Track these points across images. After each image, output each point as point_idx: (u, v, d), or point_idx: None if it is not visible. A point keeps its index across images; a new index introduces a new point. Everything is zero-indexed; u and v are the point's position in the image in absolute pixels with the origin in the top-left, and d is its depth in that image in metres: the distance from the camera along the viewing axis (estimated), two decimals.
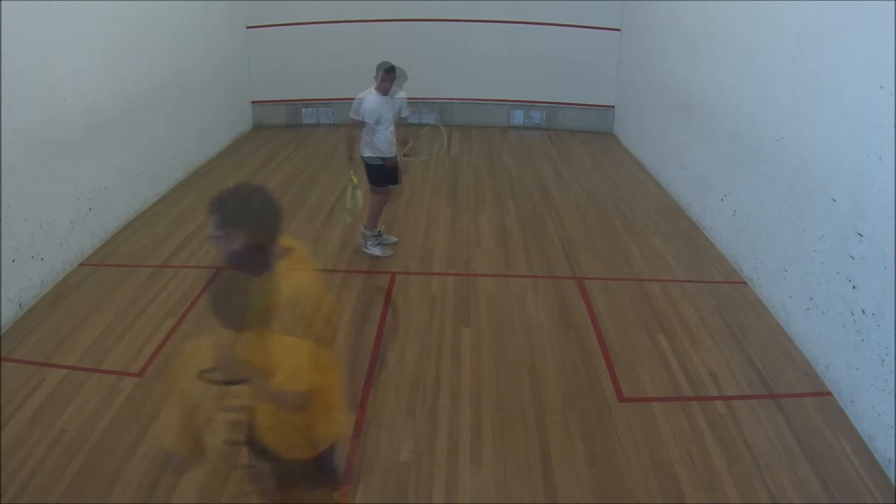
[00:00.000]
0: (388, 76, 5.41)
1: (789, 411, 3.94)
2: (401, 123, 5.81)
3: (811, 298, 4.43)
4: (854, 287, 3.93)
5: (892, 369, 3.51)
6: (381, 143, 5.60)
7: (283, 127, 10.63)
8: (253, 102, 10.59)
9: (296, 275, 2.28)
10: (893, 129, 3.57)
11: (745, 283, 5.49)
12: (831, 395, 4.09)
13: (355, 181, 5.79)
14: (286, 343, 2.14)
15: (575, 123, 10.65)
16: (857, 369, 3.84)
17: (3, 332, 4.66)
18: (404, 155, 5.91)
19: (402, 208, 7.09)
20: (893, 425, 3.46)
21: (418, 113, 10.62)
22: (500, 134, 10.41)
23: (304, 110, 10.79)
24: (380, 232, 6.01)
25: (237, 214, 2.20)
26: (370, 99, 5.47)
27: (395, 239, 6.20)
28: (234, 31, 9.84)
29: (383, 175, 5.76)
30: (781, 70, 5.00)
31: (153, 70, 7.15)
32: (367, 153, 5.66)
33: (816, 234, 4.39)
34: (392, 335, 4.68)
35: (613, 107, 10.45)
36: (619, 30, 10.03)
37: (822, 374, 4.26)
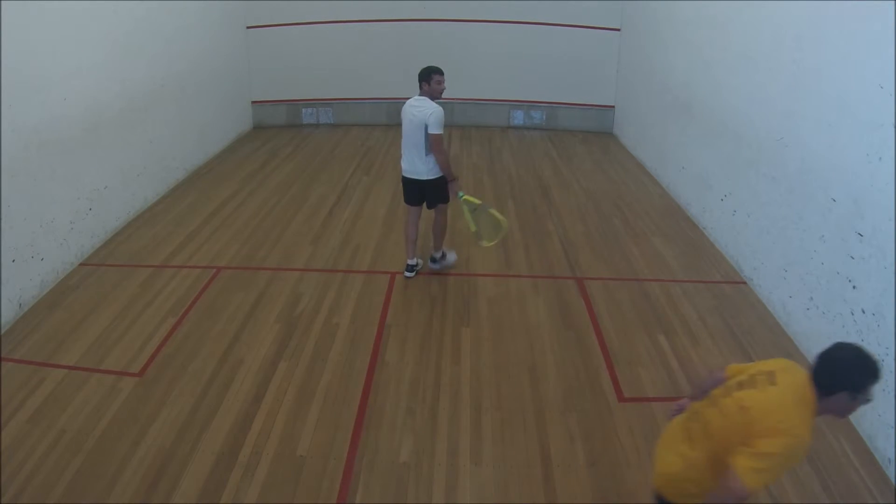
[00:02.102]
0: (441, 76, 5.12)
1: None
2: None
3: (811, 298, 4.43)
4: (854, 287, 3.93)
5: (892, 369, 3.51)
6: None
7: (283, 127, 10.64)
8: (253, 102, 10.59)
9: None
10: (893, 129, 3.57)
11: (745, 283, 5.49)
12: None
13: (471, 199, 5.28)
14: None
15: (575, 123, 10.65)
16: None
17: (3, 332, 4.66)
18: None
19: (402, 208, 7.08)
20: (893, 425, 3.46)
21: None
22: (500, 134, 10.41)
23: (304, 110, 10.79)
24: (443, 254, 5.68)
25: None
26: (439, 108, 5.06)
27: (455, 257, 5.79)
28: (234, 31, 9.84)
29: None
30: (781, 70, 5.00)
31: (153, 70, 7.16)
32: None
33: (816, 234, 4.39)
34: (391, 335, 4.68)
35: (613, 107, 10.45)
36: (619, 30, 10.03)
37: None
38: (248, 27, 10.15)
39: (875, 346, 3.68)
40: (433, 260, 5.64)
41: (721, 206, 6.11)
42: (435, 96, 5.11)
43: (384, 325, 4.81)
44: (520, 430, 3.78)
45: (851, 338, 3.91)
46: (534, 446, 3.64)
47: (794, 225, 4.70)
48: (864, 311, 3.82)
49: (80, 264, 5.70)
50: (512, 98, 10.65)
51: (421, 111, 5.04)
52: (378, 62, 10.30)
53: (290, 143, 9.73)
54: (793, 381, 2.30)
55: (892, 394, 3.49)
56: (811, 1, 4.59)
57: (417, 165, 5.19)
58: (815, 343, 4.38)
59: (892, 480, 3.42)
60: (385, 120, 10.64)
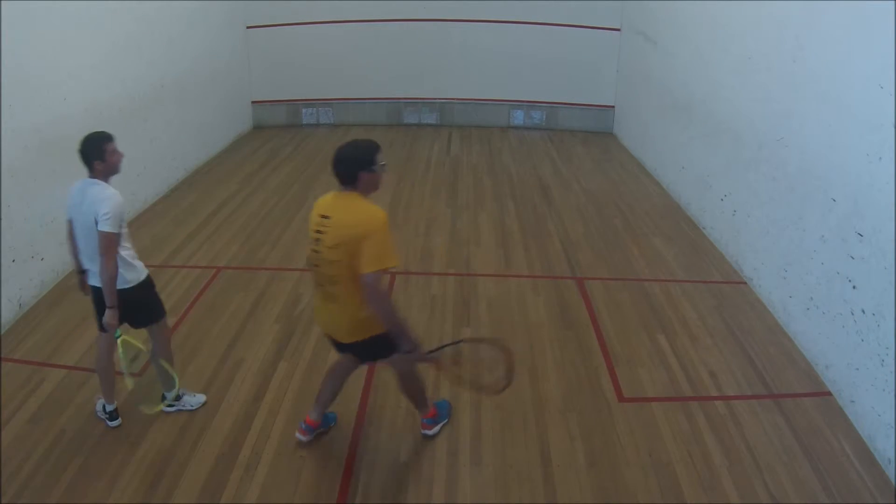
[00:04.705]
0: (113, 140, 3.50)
1: (789, 411, 3.94)
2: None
3: (811, 298, 4.43)
4: (854, 287, 3.93)
5: (892, 369, 3.51)
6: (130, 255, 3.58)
7: (283, 127, 10.63)
8: (253, 102, 10.59)
9: None
10: (893, 129, 3.57)
11: (745, 283, 5.49)
12: (831, 395, 4.09)
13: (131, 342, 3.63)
14: None
15: (575, 123, 10.65)
16: (857, 369, 3.84)
17: (3, 332, 4.66)
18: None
19: (403, 208, 7.10)
20: (893, 425, 3.46)
21: (418, 113, 10.66)
22: (500, 134, 10.41)
23: (304, 110, 10.80)
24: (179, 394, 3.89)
25: None
26: (113, 192, 3.44)
27: (202, 398, 3.96)
28: (234, 31, 9.83)
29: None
30: (781, 70, 5.00)
31: (153, 70, 7.16)
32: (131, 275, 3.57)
33: (816, 234, 4.39)
34: None
35: (613, 107, 10.45)
36: (619, 30, 10.03)
37: (822, 374, 4.26)
38: (248, 27, 10.14)
39: (875, 346, 3.68)
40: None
41: (721, 206, 6.11)
42: None
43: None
44: (520, 430, 3.77)
45: (851, 338, 3.92)
46: (534, 446, 3.64)
47: (794, 225, 4.70)
48: (864, 311, 3.82)
49: None
50: (512, 98, 10.64)
51: None
52: (378, 62, 10.29)
53: (290, 143, 9.73)
54: (342, 204, 3.14)
55: (892, 394, 3.49)
56: (811, 1, 4.59)
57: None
58: (815, 343, 4.38)
59: (892, 480, 3.42)
60: (385, 120, 10.64)
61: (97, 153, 3.43)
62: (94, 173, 3.47)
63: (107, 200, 3.38)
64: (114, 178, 3.57)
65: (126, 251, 3.51)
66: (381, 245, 2.95)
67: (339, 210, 3.08)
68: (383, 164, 3.17)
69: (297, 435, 3.61)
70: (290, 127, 10.65)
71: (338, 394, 3.66)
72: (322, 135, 10.26)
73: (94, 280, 3.54)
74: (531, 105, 10.68)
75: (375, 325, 3.09)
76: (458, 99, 10.66)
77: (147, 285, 3.65)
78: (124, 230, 3.50)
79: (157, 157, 7.26)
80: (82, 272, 3.65)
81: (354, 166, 3.08)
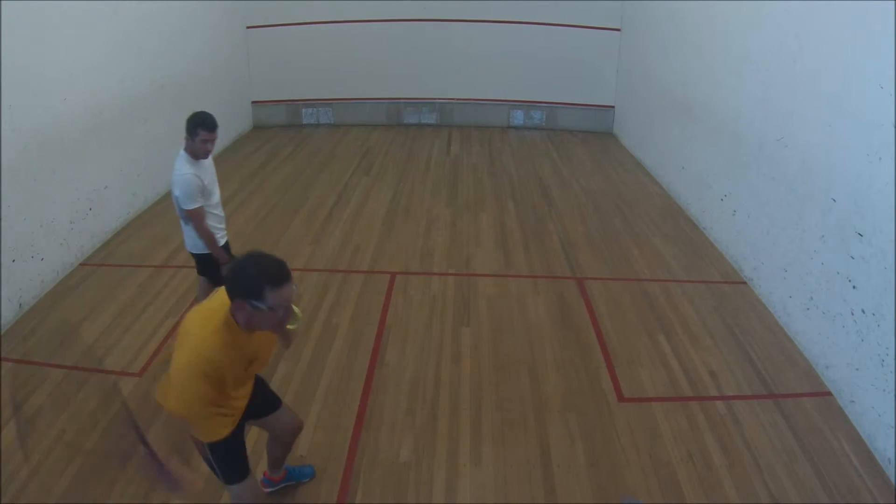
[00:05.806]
0: (211, 132, 3.87)
1: (789, 411, 3.94)
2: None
3: (811, 298, 4.43)
4: (854, 287, 3.93)
5: (892, 369, 3.52)
6: (216, 224, 4.10)
7: (283, 127, 10.64)
8: (253, 102, 10.59)
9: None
10: (893, 129, 3.58)
11: (745, 283, 5.49)
12: (831, 395, 4.09)
13: None
14: None
15: (575, 123, 10.65)
16: (857, 369, 3.85)
17: (3, 332, 4.66)
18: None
19: (403, 208, 7.10)
20: (893, 425, 3.46)
21: (418, 113, 10.67)
22: (500, 134, 10.41)
23: (304, 110, 10.80)
24: None
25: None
26: (188, 170, 3.84)
27: None
28: (234, 31, 9.84)
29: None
30: (781, 70, 5.00)
31: (153, 70, 7.16)
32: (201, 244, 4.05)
33: (816, 234, 4.39)
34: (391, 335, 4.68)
35: (613, 107, 10.45)
36: (619, 30, 10.03)
37: (822, 374, 4.26)
38: (248, 27, 10.15)
39: (875, 346, 3.68)
40: None
41: (721, 206, 6.11)
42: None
43: (384, 326, 4.81)
44: (520, 430, 3.78)
45: (851, 338, 3.92)
46: (534, 446, 3.64)
47: (794, 225, 4.70)
48: (864, 311, 3.82)
49: (80, 264, 5.70)
50: (512, 98, 10.65)
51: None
52: (378, 62, 10.30)
53: (290, 143, 9.73)
54: (208, 305, 2.39)
55: (892, 394, 3.49)
56: (811, 1, 4.59)
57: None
58: (815, 343, 4.38)
59: (892, 480, 3.42)
60: (385, 120, 10.64)
61: (191, 131, 3.82)
62: (186, 145, 3.88)
63: (178, 182, 3.80)
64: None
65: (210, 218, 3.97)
66: (177, 390, 2.36)
67: (194, 318, 2.36)
68: (280, 309, 2.22)
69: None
70: (290, 127, 10.65)
71: (283, 453, 3.23)
72: (322, 135, 10.26)
73: (188, 245, 4.10)
74: (531, 105, 10.68)
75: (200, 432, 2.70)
76: (458, 99, 10.66)
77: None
78: (212, 201, 3.99)
79: (157, 158, 7.24)
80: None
81: (231, 287, 2.24)
